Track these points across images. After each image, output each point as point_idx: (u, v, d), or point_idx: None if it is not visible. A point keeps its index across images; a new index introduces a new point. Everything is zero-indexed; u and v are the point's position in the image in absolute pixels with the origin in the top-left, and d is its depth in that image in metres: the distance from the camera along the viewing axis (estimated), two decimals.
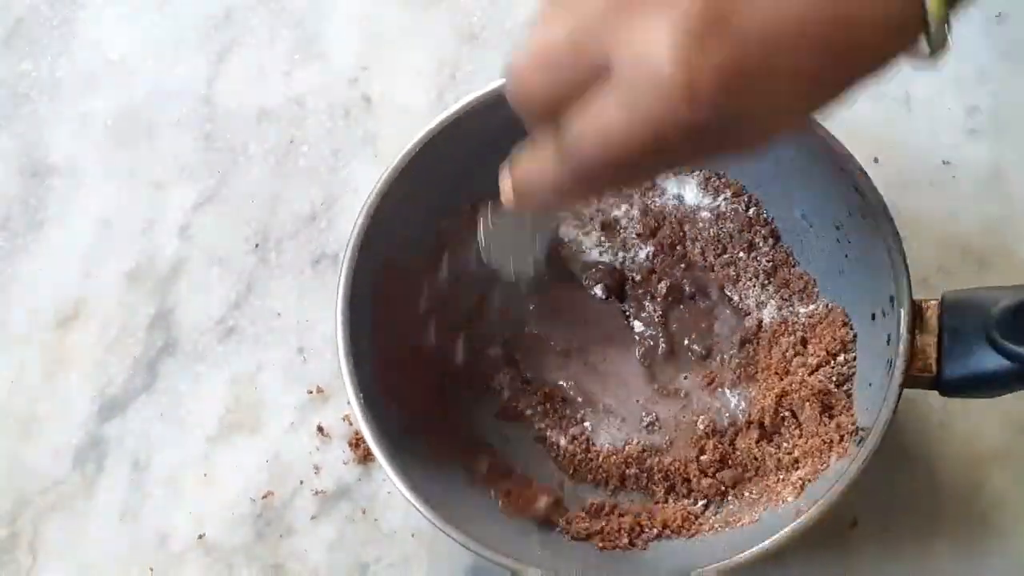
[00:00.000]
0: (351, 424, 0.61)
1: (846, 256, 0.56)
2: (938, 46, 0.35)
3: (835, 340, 0.55)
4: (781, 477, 0.54)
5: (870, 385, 0.53)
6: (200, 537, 0.59)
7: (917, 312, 0.51)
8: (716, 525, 0.54)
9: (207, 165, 0.68)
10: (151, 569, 0.59)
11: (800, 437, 0.54)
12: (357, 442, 0.60)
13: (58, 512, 0.60)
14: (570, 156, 0.37)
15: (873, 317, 0.54)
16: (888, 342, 0.51)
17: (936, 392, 0.51)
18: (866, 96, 0.39)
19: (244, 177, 0.67)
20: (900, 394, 0.50)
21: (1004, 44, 0.67)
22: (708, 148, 0.37)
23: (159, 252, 0.66)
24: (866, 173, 0.52)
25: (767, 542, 0.49)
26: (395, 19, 0.71)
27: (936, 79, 0.66)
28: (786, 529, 0.49)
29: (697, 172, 0.60)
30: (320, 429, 0.61)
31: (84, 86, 0.71)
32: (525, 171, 0.40)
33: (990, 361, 0.48)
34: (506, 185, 0.42)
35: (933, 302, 0.51)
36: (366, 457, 0.60)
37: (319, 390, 0.62)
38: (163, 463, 0.61)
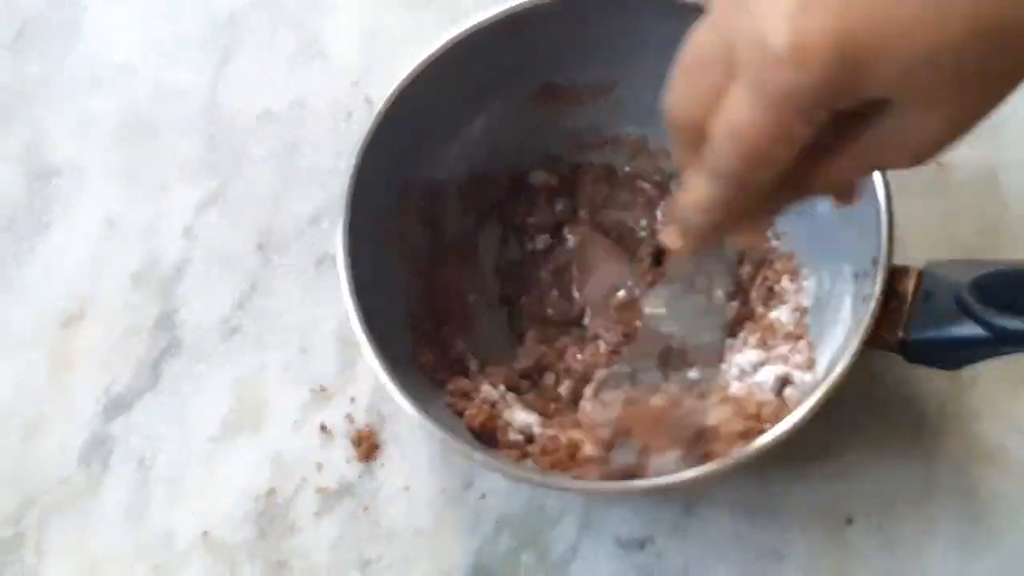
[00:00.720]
0: (353, 422, 0.61)
1: (840, 215, 0.56)
2: None
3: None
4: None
5: (834, 345, 0.54)
6: (204, 535, 0.60)
7: (897, 276, 0.52)
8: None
9: (210, 166, 0.68)
10: (156, 567, 0.59)
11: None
12: (359, 440, 0.61)
13: (63, 511, 0.61)
14: (714, 167, 0.36)
15: (856, 277, 0.55)
16: (864, 301, 0.52)
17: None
18: None
19: (247, 178, 0.68)
20: (859, 349, 0.50)
21: None
22: (856, 145, 0.36)
23: (163, 253, 0.66)
24: None
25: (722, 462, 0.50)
26: (396, 20, 0.72)
27: None
28: (734, 458, 0.50)
29: None
30: (323, 427, 0.62)
31: (88, 88, 0.71)
32: (682, 205, 0.39)
33: (960, 327, 0.49)
34: (668, 231, 0.42)
35: (915, 269, 0.52)
36: (368, 455, 0.61)
37: (322, 389, 0.62)
38: (167, 461, 0.62)
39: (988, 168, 0.64)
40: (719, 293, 0.52)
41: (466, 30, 0.58)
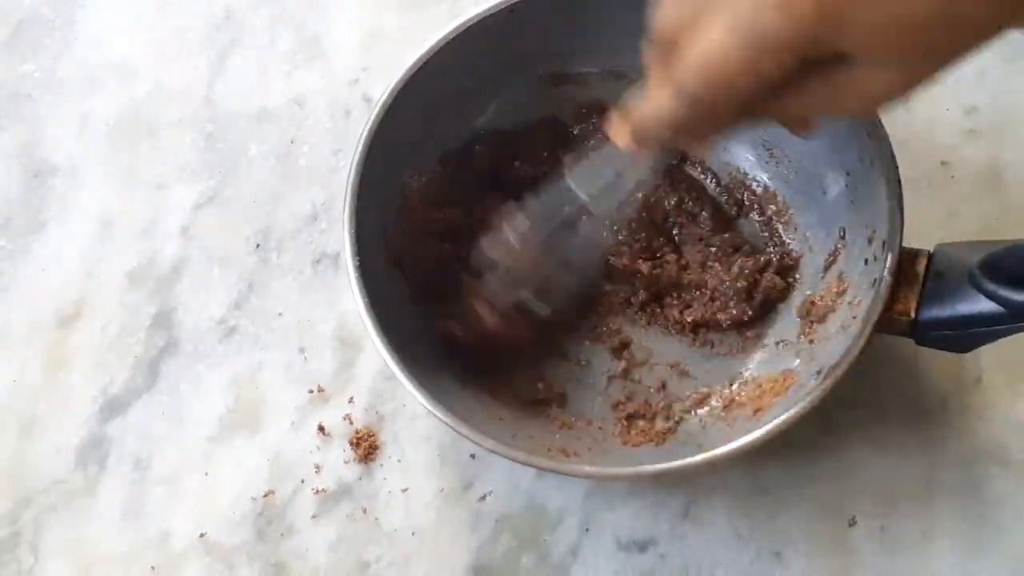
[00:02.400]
0: (352, 423, 0.61)
1: (852, 202, 0.57)
2: None
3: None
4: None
5: (847, 329, 0.54)
6: (201, 536, 0.59)
7: (907, 258, 0.52)
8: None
9: (208, 165, 0.68)
10: (152, 568, 0.59)
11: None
12: (358, 441, 0.61)
13: (60, 511, 0.60)
14: (680, 86, 0.40)
15: (866, 262, 0.55)
16: (873, 285, 0.52)
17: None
18: None
19: (245, 177, 0.68)
20: (871, 331, 0.51)
21: (1003, 45, 0.66)
22: (814, 89, 0.39)
23: (160, 252, 0.66)
24: (880, 123, 0.54)
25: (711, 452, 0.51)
26: (395, 19, 0.71)
27: None
28: (741, 440, 0.50)
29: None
30: (321, 428, 0.61)
31: (85, 87, 0.71)
32: (641, 110, 0.43)
33: (972, 304, 0.49)
34: (617, 128, 0.45)
35: (925, 252, 0.52)
36: (367, 456, 0.60)
37: (320, 389, 0.62)
38: (164, 462, 0.61)
39: (991, 167, 0.64)
40: (629, 178, 0.53)
41: (467, 21, 0.59)
